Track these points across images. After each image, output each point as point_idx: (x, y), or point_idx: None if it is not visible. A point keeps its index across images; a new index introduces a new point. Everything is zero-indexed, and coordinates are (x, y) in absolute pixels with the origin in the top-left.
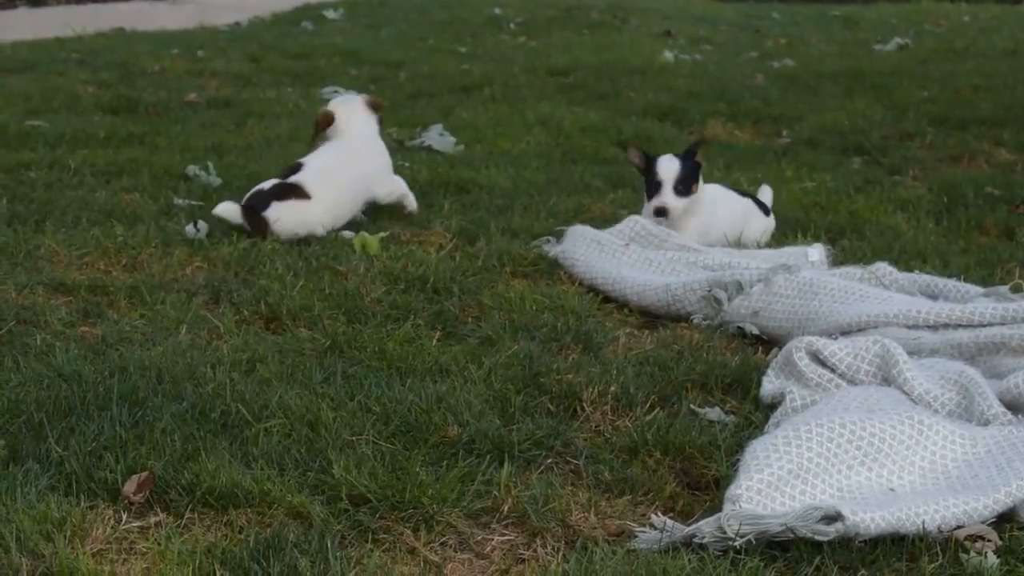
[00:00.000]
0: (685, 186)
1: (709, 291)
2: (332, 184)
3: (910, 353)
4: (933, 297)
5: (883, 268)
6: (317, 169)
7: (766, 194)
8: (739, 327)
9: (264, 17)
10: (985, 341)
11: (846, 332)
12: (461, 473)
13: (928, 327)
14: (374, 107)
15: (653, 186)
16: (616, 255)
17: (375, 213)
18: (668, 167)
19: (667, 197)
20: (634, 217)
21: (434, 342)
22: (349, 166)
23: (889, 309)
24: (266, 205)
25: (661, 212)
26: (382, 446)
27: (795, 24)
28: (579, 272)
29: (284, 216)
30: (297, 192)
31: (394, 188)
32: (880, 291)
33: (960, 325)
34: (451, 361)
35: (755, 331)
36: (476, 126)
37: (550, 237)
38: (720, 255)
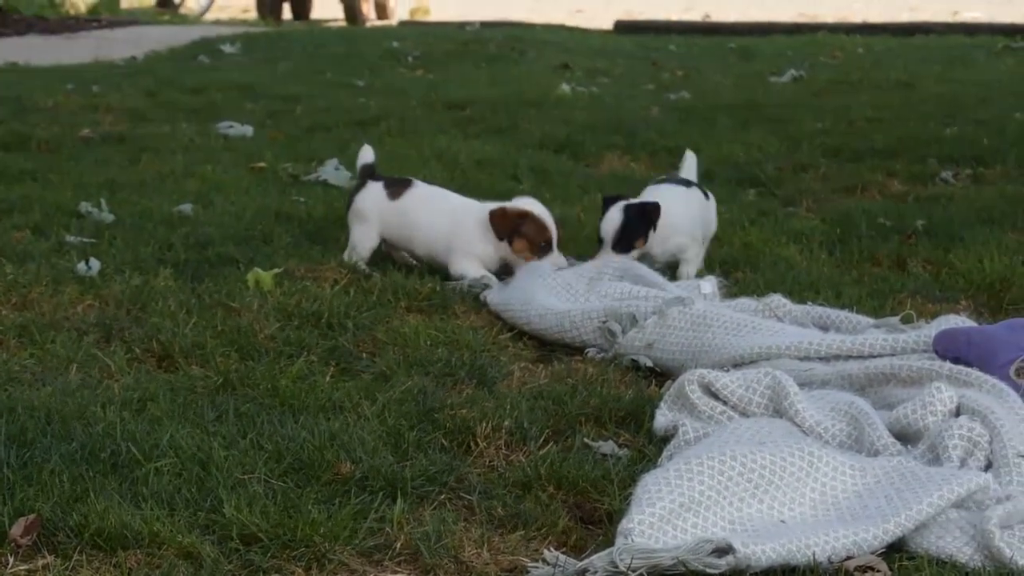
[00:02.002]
0: None
1: (604, 322)
2: None
3: (801, 384)
4: (825, 328)
5: (777, 300)
6: None
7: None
8: (633, 360)
9: (161, 51)
10: (875, 372)
11: (739, 364)
12: (354, 510)
13: (820, 358)
14: None
15: None
16: (544, 278)
17: (270, 248)
18: None
19: None
20: None
21: (328, 378)
22: None
23: (781, 341)
24: None
25: None
26: (274, 484)
27: (692, 56)
28: (497, 299)
29: None
30: None
31: None
32: (773, 323)
33: (851, 356)
34: (344, 397)
35: (649, 364)
36: None
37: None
38: (626, 285)
